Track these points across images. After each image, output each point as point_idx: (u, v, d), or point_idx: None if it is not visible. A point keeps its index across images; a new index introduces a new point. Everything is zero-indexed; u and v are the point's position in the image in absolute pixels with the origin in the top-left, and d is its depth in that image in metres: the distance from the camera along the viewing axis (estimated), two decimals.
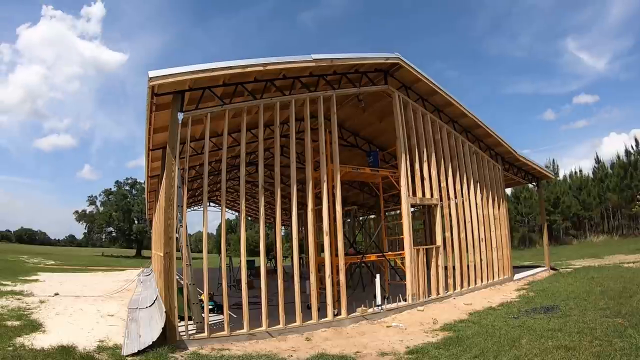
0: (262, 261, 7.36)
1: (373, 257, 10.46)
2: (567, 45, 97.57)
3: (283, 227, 31.44)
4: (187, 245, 6.90)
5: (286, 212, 16.95)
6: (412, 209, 11.23)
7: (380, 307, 8.46)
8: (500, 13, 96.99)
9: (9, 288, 13.04)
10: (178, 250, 6.90)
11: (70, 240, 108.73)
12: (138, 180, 59.09)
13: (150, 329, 6.39)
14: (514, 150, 13.32)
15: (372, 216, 22.92)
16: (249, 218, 31.39)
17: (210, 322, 6.59)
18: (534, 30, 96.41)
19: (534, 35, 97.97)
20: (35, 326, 7.21)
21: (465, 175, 11.40)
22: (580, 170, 42.77)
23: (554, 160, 62.27)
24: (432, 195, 10.12)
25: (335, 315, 7.71)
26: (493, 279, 11.81)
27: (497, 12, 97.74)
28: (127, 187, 60.42)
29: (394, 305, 8.81)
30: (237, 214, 26.90)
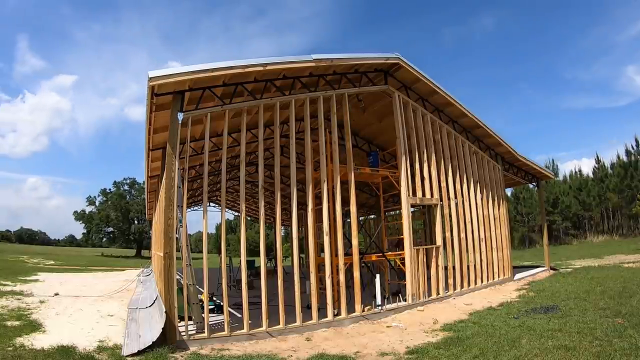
0: (262, 261, 7.36)
1: (373, 257, 10.45)
2: (626, 70, 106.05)
3: (283, 227, 31.44)
4: (187, 245, 6.90)
5: (286, 212, 16.94)
6: (412, 209, 11.23)
7: (380, 307, 8.46)
8: (585, 49, 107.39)
9: (9, 288, 13.04)
10: (178, 250, 6.91)
11: (70, 241, 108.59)
12: (137, 180, 59.12)
13: (150, 329, 6.39)
14: (514, 150, 13.31)
15: (372, 216, 22.93)
16: (249, 218, 31.35)
17: (210, 322, 6.59)
18: (606, 61, 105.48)
19: (603, 64, 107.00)
20: (35, 326, 7.22)
21: (465, 175, 11.40)
22: (580, 170, 42.86)
23: (553, 160, 62.81)
24: (432, 195, 10.12)
25: (335, 315, 7.72)
26: (493, 279, 11.81)
27: (583, 48, 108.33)
28: (126, 187, 60.37)
29: (394, 305, 8.81)
30: (237, 214, 26.90)
